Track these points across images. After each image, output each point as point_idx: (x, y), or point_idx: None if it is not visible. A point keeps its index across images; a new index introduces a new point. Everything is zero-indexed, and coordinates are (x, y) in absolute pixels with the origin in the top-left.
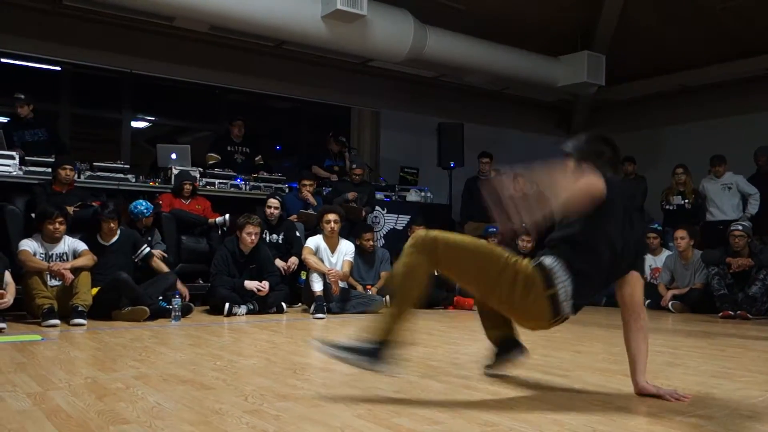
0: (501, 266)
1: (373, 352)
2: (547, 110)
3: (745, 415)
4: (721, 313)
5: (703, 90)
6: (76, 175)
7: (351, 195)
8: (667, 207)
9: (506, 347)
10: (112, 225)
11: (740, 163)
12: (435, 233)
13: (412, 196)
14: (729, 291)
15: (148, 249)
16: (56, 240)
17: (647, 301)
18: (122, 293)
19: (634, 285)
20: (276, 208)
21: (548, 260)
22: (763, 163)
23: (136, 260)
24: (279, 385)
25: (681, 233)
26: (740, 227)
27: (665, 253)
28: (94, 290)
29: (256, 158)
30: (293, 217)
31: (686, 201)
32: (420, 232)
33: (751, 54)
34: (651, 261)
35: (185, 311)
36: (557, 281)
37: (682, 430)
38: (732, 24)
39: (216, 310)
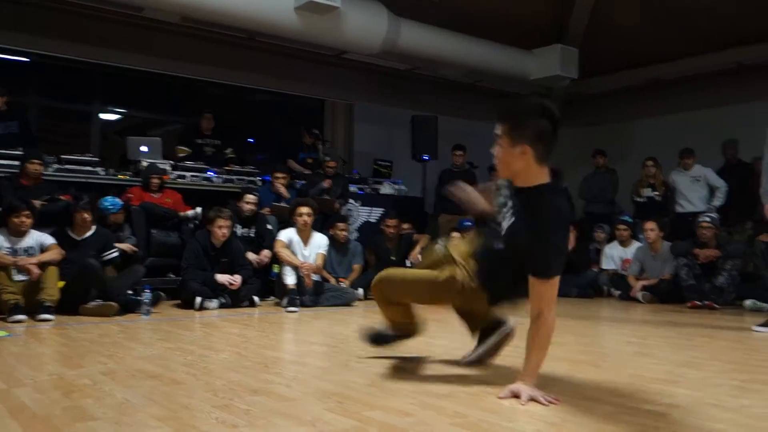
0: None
1: (393, 338)
2: None
3: (711, 402)
4: (689, 304)
5: (672, 84)
6: (44, 169)
7: (327, 183)
8: (638, 199)
9: (488, 331)
10: (85, 216)
11: (709, 156)
12: (377, 279)
13: (386, 188)
14: (697, 282)
15: (116, 254)
16: (22, 234)
17: (618, 293)
18: (90, 283)
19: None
20: (253, 203)
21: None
22: (731, 156)
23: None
24: (250, 380)
25: (650, 225)
26: (707, 219)
27: (635, 244)
28: (61, 283)
29: (227, 150)
30: (265, 210)
31: (656, 193)
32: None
33: (720, 48)
34: (621, 252)
35: (155, 299)
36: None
37: (649, 419)
38: (701, 18)
39: (187, 304)
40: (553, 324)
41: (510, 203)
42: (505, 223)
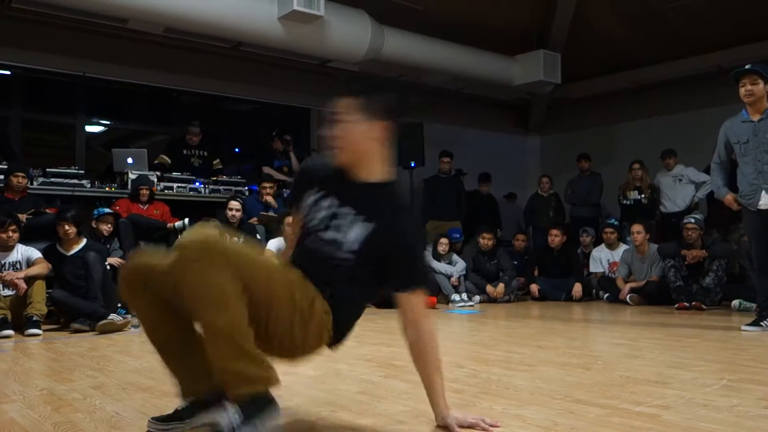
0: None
1: (256, 414)
2: (505, 109)
3: (701, 403)
4: (677, 305)
5: (654, 87)
6: (29, 182)
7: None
8: (624, 202)
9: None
10: (67, 228)
11: (692, 158)
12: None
13: None
14: (684, 283)
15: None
16: (9, 249)
17: (606, 295)
18: (61, 314)
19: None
20: (237, 210)
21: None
22: None
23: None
24: None
25: (637, 228)
26: (692, 220)
27: (622, 247)
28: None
29: (214, 162)
30: (253, 220)
31: (642, 196)
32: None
33: (700, 52)
34: (609, 255)
35: None
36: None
37: (640, 421)
38: (681, 23)
39: None
40: (435, 332)
41: (342, 208)
42: (342, 232)
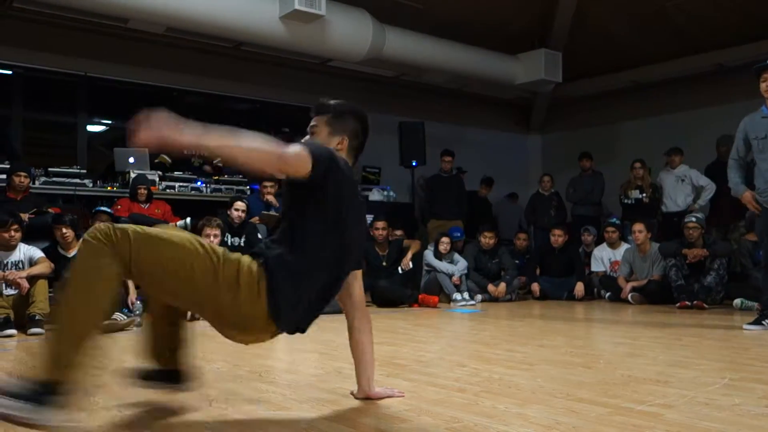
0: (215, 265)
1: (38, 397)
2: (507, 107)
3: (703, 402)
4: (678, 304)
5: (655, 86)
6: (31, 182)
7: None
8: (626, 201)
9: (167, 376)
10: (65, 231)
11: (692, 157)
12: (124, 226)
13: (375, 195)
14: (686, 282)
15: None
16: (11, 248)
17: (607, 294)
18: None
19: (360, 282)
20: (243, 211)
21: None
22: (723, 153)
23: None
24: (244, 389)
25: (638, 227)
26: (693, 219)
27: (624, 246)
28: None
29: (215, 161)
30: (255, 219)
31: (644, 195)
32: (101, 225)
33: (701, 50)
34: (610, 254)
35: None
36: (280, 282)
37: (642, 419)
38: (682, 21)
39: None
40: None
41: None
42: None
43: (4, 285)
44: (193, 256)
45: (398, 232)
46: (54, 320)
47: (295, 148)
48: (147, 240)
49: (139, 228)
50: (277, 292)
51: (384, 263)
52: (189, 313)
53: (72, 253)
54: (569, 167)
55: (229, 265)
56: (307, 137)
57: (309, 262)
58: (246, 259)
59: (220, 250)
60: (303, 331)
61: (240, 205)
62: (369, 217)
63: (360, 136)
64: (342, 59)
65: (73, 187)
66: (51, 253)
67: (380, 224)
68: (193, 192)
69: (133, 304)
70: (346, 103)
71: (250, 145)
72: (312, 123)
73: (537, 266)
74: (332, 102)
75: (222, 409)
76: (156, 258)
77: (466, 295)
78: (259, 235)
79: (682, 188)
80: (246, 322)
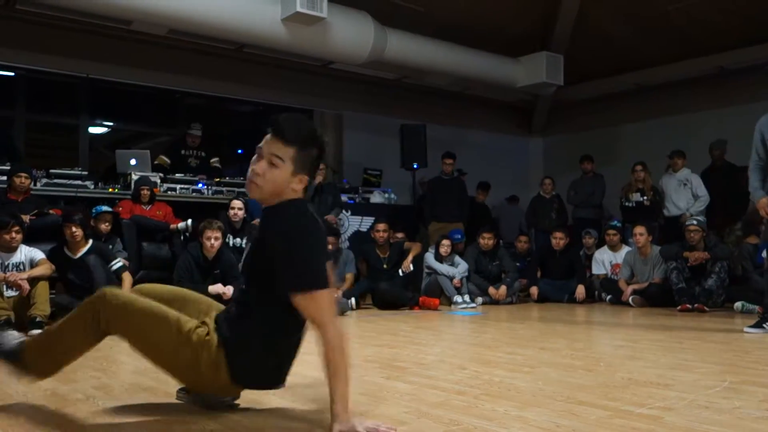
0: (178, 341)
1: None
2: (508, 110)
3: (703, 405)
4: (679, 307)
5: (657, 88)
6: (32, 183)
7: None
8: (627, 204)
9: None
10: (74, 230)
11: (694, 160)
12: (109, 293)
13: (376, 197)
14: (687, 285)
15: (121, 263)
16: (12, 249)
17: (608, 297)
18: None
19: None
20: (240, 209)
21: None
22: (718, 157)
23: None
24: (244, 392)
25: (639, 229)
26: (695, 222)
27: (625, 249)
28: None
29: (212, 160)
30: (256, 222)
31: (645, 198)
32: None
33: (703, 53)
34: (611, 257)
35: None
36: (237, 357)
37: (642, 422)
38: (683, 24)
39: None
40: (342, 337)
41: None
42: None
43: (5, 286)
44: (159, 331)
45: (399, 235)
46: (47, 333)
47: (332, 309)
48: (120, 307)
49: (116, 296)
50: (235, 365)
51: (385, 265)
52: None
53: (78, 254)
54: (570, 170)
55: (187, 346)
56: (262, 164)
57: (270, 330)
58: (202, 332)
59: (187, 326)
60: (282, 385)
61: (236, 203)
62: (370, 220)
63: (316, 167)
64: (344, 61)
65: (75, 189)
66: (57, 254)
67: (381, 226)
68: (194, 194)
69: None
70: (308, 125)
71: (347, 364)
72: (272, 150)
73: (538, 269)
74: (299, 126)
75: (222, 412)
76: (126, 325)
77: (466, 297)
78: None
79: (684, 192)
80: (214, 387)
